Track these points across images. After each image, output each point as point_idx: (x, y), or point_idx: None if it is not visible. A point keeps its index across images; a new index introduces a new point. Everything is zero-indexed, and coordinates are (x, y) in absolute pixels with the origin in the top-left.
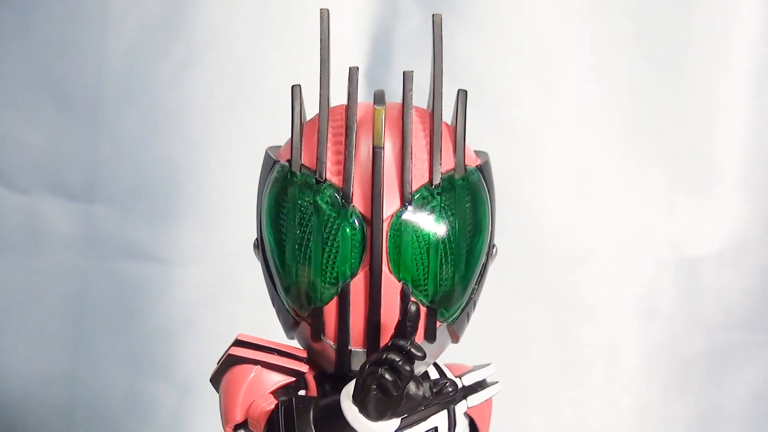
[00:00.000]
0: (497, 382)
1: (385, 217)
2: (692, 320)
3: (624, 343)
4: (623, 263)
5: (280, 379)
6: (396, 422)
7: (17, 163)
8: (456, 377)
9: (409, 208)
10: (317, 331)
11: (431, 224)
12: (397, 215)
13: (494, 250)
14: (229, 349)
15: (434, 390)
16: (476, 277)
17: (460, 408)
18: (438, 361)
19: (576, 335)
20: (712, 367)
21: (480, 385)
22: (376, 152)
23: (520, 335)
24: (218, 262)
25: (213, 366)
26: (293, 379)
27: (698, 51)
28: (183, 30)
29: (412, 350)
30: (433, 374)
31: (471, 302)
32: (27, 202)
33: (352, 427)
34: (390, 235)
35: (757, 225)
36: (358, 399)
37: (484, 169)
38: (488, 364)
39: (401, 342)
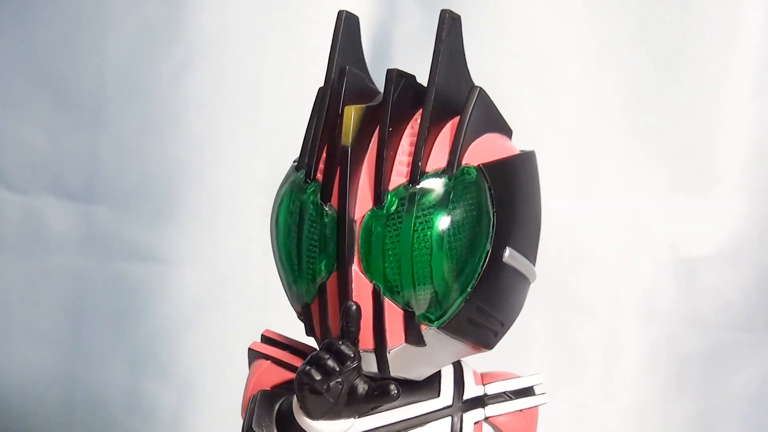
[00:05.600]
0: (531, 396)
1: (357, 216)
2: (691, 320)
3: (623, 343)
4: (622, 263)
5: (290, 375)
6: (345, 423)
7: (17, 164)
8: (482, 384)
9: (382, 208)
10: (308, 328)
11: (404, 225)
12: (368, 215)
13: (505, 253)
14: (251, 344)
15: (376, 392)
16: (464, 282)
17: (473, 416)
18: (469, 367)
19: (575, 335)
20: (710, 367)
21: (508, 395)
22: (344, 151)
23: (520, 335)
24: (218, 262)
25: (212, 365)
26: None
27: (698, 51)
28: (183, 30)
29: (342, 349)
30: (449, 377)
31: (472, 308)
32: (27, 203)
33: (299, 425)
34: (362, 236)
35: (755, 225)
36: (297, 396)
37: (491, 169)
38: (532, 375)
39: (332, 341)
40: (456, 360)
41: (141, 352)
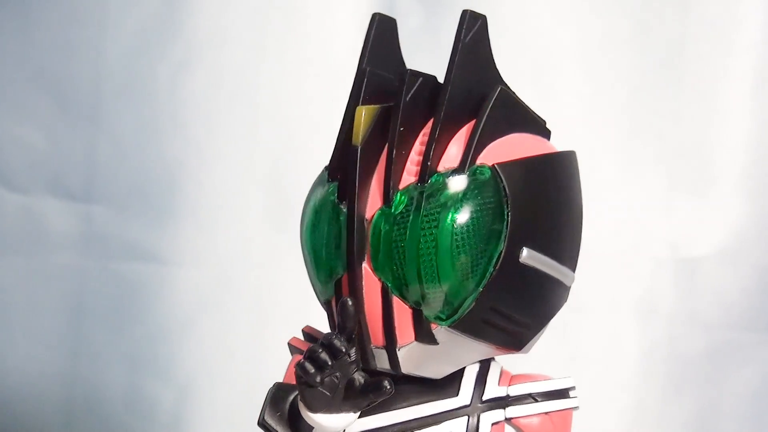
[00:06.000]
0: (558, 399)
1: (369, 215)
2: (690, 320)
3: (622, 343)
4: (622, 263)
5: None
6: (346, 418)
7: (17, 164)
8: (507, 385)
9: (390, 207)
10: (330, 323)
11: (411, 224)
12: (377, 214)
13: (522, 253)
14: (291, 339)
15: (370, 387)
16: (475, 282)
17: (492, 416)
18: (498, 366)
19: (575, 335)
20: (710, 367)
21: (533, 398)
22: (353, 151)
23: None
24: (217, 262)
25: (212, 365)
26: None
27: (697, 51)
28: (181, 30)
29: (334, 343)
30: (471, 377)
31: (485, 308)
32: (26, 203)
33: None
34: (372, 234)
35: (755, 225)
36: (297, 390)
37: (508, 168)
38: (563, 378)
39: (327, 335)
40: (481, 359)
41: (140, 351)
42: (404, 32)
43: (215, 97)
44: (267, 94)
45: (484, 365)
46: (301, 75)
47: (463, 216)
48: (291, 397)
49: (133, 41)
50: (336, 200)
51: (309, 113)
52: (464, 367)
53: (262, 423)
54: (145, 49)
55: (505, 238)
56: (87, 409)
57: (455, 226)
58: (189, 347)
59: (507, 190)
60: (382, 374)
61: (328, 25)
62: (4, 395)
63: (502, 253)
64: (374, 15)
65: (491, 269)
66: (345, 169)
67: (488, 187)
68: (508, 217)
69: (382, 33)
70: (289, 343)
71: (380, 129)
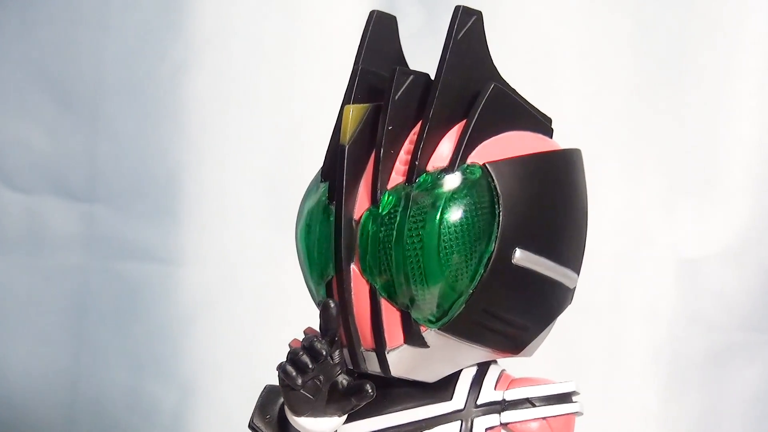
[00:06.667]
0: (557, 404)
1: (357, 216)
2: (693, 321)
3: (624, 344)
4: (624, 264)
5: None
6: (330, 422)
7: (18, 164)
8: (504, 389)
9: (378, 207)
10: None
11: (398, 224)
12: (365, 215)
13: (515, 254)
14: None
15: (352, 390)
16: (464, 284)
17: (486, 421)
18: (497, 370)
19: (577, 336)
20: (712, 368)
21: (530, 402)
22: (340, 150)
23: None
24: (218, 261)
25: (212, 365)
26: None
27: (699, 51)
28: (182, 30)
29: (315, 345)
30: (466, 380)
31: (477, 310)
32: (28, 202)
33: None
34: (360, 235)
35: (757, 226)
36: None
37: (499, 167)
38: (564, 382)
39: (309, 337)
40: (479, 362)
41: (142, 351)
42: (404, 32)
43: (215, 97)
44: (267, 93)
45: (482, 368)
46: (301, 75)
47: (450, 216)
48: (281, 400)
49: (134, 41)
50: (327, 201)
51: (309, 113)
52: (460, 371)
53: (251, 426)
54: (145, 49)
55: (496, 238)
56: (88, 408)
57: (442, 226)
58: (190, 347)
59: (498, 189)
60: (373, 377)
61: (329, 26)
62: (6, 394)
63: (493, 254)
64: (372, 12)
65: (482, 271)
66: (335, 170)
67: (478, 186)
68: (499, 217)
69: (381, 30)
70: (290, 345)
71: (370, 128)
